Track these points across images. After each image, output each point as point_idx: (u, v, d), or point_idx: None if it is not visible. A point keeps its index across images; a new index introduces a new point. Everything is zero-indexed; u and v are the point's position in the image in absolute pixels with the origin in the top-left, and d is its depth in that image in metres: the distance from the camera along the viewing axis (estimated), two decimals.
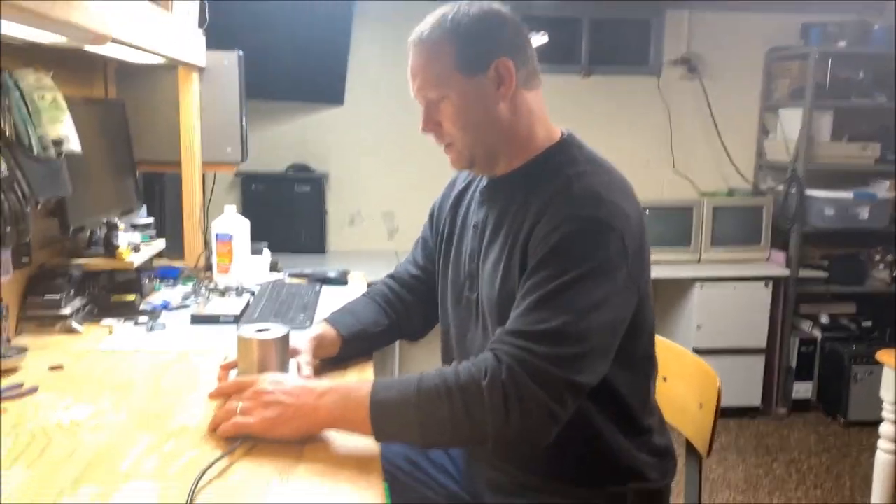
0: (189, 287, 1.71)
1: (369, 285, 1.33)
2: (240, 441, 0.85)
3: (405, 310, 1.21)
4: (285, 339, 0.98)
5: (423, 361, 2.90)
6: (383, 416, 0.86)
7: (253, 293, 1.66)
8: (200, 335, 1.37)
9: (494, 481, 1.08)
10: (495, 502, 1.08)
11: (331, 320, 1.16)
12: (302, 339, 1.06)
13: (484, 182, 1.08)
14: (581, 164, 0.96)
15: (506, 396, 0.84)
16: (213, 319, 1.44)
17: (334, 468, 0.83)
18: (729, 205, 2.99)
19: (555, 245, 0.89)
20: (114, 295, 1.49)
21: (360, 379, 1.07)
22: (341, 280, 1.83)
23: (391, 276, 1.25)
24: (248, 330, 0.96)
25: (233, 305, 1.51)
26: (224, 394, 0.96)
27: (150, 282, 1.67)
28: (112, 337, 1.35)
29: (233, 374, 1.02)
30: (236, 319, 1.45)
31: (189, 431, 0.93)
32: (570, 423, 0.90)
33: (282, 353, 0.98)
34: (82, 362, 1.20)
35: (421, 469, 1.19)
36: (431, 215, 1.22)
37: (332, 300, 1.62)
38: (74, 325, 1.36)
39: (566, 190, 0.93)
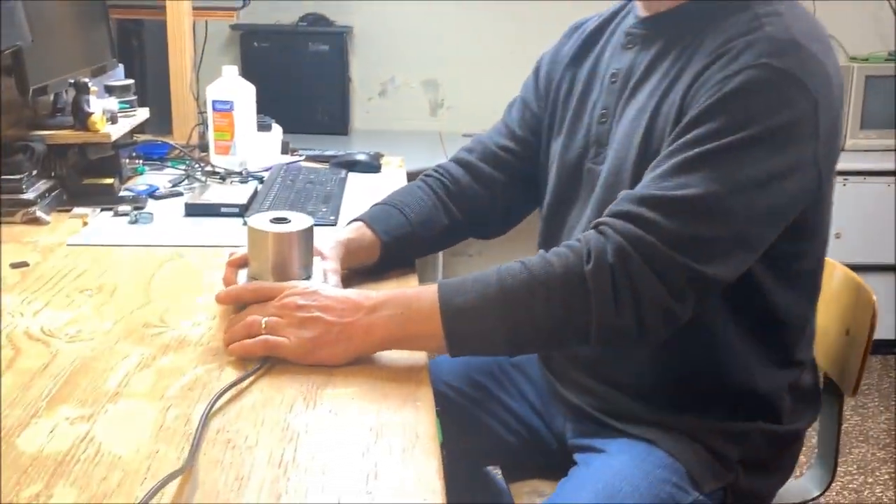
0: (180, 170, 1.73)
1: (412, 177, 1.33)
2: (268, 362, 0.87)
3: (483, 196, 1.20)
4: (309, 233, 0.97)
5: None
6: (460, 325, 0.87)
7: (261, 179, 1.68)
8: (197, 230, 1.39)
9: (579, 411, 1.10)
10: (576, 444, 1.10)
11: (368, 219, 1.15)
12: (326, 242, 1.06)
13: (632, 20, 1.06)
14: (775, 2, 0.95)
15: (614, 285, 0.85)
16: (212, 210, 1.46)
17: (371, 392, 0.84)
18: (888, 74, 2.84)
19: (727, 94, 0.88)
20: (87, 177, 1.51)
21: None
22: (372, 165, 1.84)
23: (457, 161, 1.24)
24: (262, 220, 0.96)
25: (237, 194, 1.53)
26: (236, 300, 0.96)
27: (131, 162, 1.69)
28: (87, 230, 1.37)
29: (242, 275, 1.01)
30: (242, 211, 1.46)
31: (189, 345, 0.94)
32: (702, 338, 0.92)
33: (305, 251, 0.97)
34: (52, 259, 1.22)
35: (486, 391, 1.21)
36: (537, 71, 1.21)
37: (361, 191, 1.64)
38: (40, 213, 1.38)
39: (754, 31, 0.91)
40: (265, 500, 0.66)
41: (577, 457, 1.07)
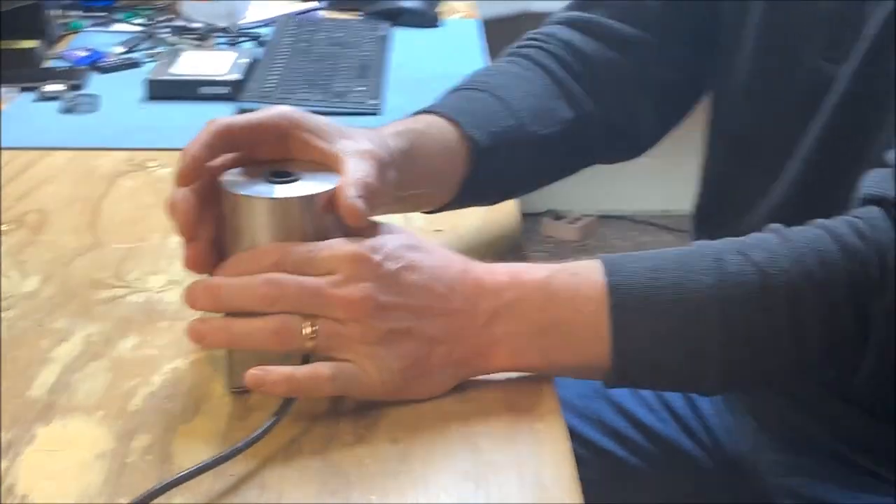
0: (136, 26, 1.69)
1: (495, 32, 1.22)
2: (288, 405, 0.76)
3: (627, 73, 1.10)
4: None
5: None
6: (643, 355, 0.79)
7: (260, 39, 1.64)
8: (167, 122, 1.36)
9: (787, 435, 1.07)
10: (788, 487, 1.06)
11: (441, 107, 1.01)
12: (355, 143, 0.86)
13: None
14: None
15: None
16: (187, 91, 1.43)
17: (460, 410, 0.78)
18: None
19: None
20: None
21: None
22: (427, 15, 1.78)
23: (569, 22, 1.12)
24: (248, 177, 0.79)
25: (224, 63, 1.48)
26: (238, 268, 0.80)
27: (62, 15, 1.64)
28: (1, 123, 1.32)
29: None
30: (234, 92, 1.42)
31: (162, 317, 0.89)
32: None
33: (330, 227, 0.81)
34: None
35: (619, 410, 1.17)
36: None
37: (413, 58, 1.60)
38: None
39: None
40: None
41: None
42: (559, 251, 3.20)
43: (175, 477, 0.68)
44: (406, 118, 0.98)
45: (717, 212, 1.11)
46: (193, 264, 0.79)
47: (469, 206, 1.02)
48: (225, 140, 0.79)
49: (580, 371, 0.84)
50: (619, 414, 1.17)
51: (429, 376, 0.79)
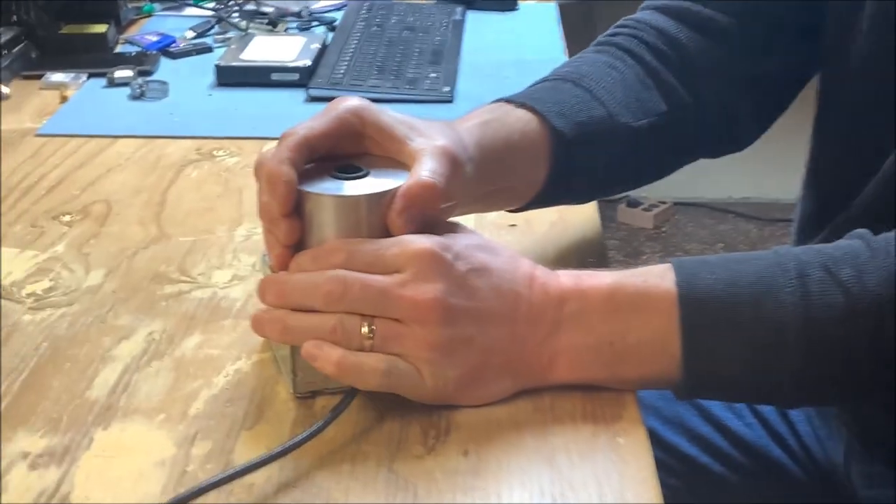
0: (208, 10, 1.69)
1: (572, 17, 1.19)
2: (349, 397, 0.75)
3: (723, 63, 1.05)
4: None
5: None
6: (715, 369, 0.77)
7: (332, 24, 1.64)
8: (236, 109, 1.35)
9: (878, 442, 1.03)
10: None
11: (523, 97, 0.97)
12: (425, 133, 0.84)
13: None
14: None
15: None
16: (258, 77, 1.43)
17: (534, 417, 0.76)
18: None
19: None
20: (66, 23, 1.49)
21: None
22: (504, 0, 1.75)
23: (662, 8, 1.08)
24: (314, 173, 0.78)
25: (295, 49, 1.49)
26: (315, 263, 0.78)
27: None
28: (67, 109, 1.33)
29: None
30: (305, 78, 1.41)
31: (227, 314, 0.88)
32: None
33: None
34: (10, 158, 1.19)
35: (702, 413, 1.14)
36: None
37: (489, 45, 1.59)
38: None
39: None
40: None
41: None
42: (633, 238, 3.15)
43: (222, 475, 0.66)
44: (482, 108, 0.95)
45: (818, 206, 1.07)
46: (282, 265, 0.78)
47: (555, 203, 0.99)
48: (303, 153, 0.77)
49: (647, 384, 0.81)
50: (703, 417, 1.14)
51: (483, 386, 0.77)
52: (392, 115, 0.79)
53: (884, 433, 1.02)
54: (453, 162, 0.78)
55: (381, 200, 0.75)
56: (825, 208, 1.04)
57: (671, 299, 0.75)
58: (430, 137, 0.79)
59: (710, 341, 0.76)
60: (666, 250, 3.10)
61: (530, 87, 1.00)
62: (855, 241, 0.78)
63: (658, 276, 0.77)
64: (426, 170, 0.76)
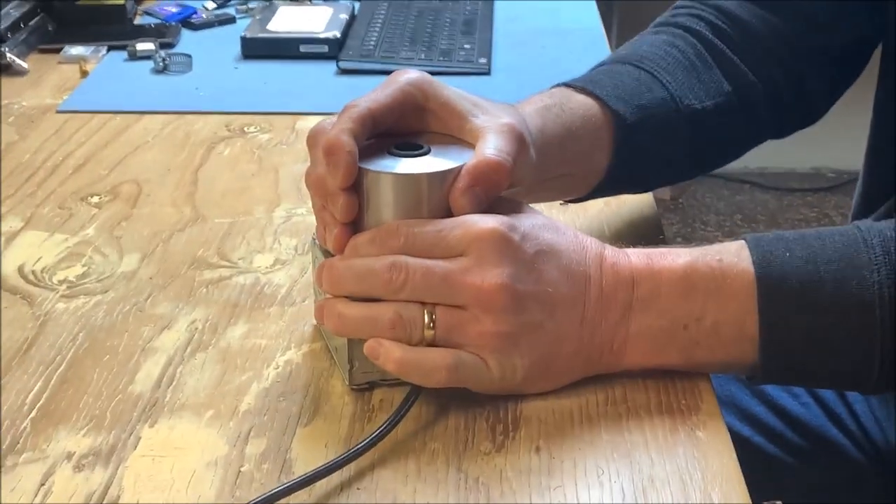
0: None
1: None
2: (407, 403, 0.73)
3: (786, 51, 1.02)
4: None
5: None
6: (799, 354, 0.75)
7: None
8: (265, 82, 1.35)
9: None
10: None
11: (583, 82, 0.95)
12: (498, 119, 0.81)
13: None
14: None
15: None
16: (285, 49, 1.42)
17: (611, 409, 0.73)
18: None
19: None
20: None
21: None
22: None
23: None
24: (374, 152, 0.76)
25: (322, 20, 1.48)
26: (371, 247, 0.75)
27: None
28: (87, 84, 1.33)
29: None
30: (334, 49, 1.41)
31: (272, 301, 0.86)
32: None
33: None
34: (32, 137, 1.18)
35: (757, 394, 1.13)
36: None
37: (521, 17, 1.56)
38: (11, 56, 1.35)
39: None
40: None
41: None
42: None
43: (292, 482, 0.63)
44: (541, 93, 0.93)
45: (880, 180, 1.05)
46: (339, 245, 0.75)
47: (615, 193, 0.97)
48: (367, 126, 0.74)
49: (722, 369, 0.80)
50: (757, 398, 1.13)
51: (552, 374, 0.75)
52: (455, 91, 0.76)
53: None
54: (520, 142, 0.75)
55: (443, 179, 0.72)
56: (887, 182, 1.02)
57: (748, 279, 0.74)
58: (494, 115, 0.76)
59: (789, 322, 0.74)
60: (684, 221, 3.10)
61: (590, 71, 0.99)
62: None
63: (734, 255, 0.75)
64: (493, 147, 0.73)
